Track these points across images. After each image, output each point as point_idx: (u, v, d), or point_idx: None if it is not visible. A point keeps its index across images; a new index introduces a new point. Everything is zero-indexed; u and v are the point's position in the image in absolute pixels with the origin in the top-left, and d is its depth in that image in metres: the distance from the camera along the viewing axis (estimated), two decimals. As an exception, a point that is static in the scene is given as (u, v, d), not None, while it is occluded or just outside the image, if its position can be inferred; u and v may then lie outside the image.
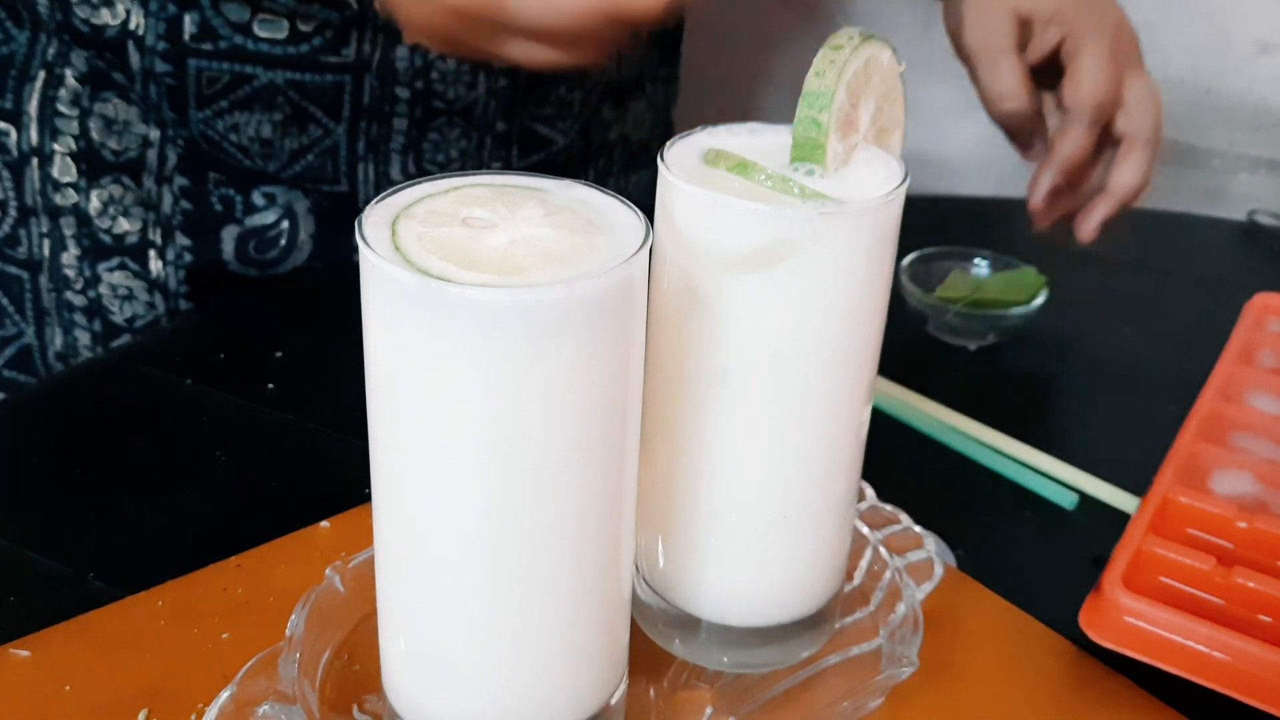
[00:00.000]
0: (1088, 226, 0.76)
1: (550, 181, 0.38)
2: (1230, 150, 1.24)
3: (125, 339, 0.77)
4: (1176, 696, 0.49)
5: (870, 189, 0.41)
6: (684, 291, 0.41)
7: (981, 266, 0.81)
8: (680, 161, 0.42)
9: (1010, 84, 0.74)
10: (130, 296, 0.77)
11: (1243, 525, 0.55)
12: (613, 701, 0.42)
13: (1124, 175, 0.74)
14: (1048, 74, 0.77)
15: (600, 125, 0.88)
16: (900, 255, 0.74)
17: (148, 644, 0.49)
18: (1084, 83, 0.73)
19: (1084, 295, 0.84)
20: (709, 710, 0.46)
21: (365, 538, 0.40)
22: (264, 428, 0.64)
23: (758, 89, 1.42)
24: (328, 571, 0.48)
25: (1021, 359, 0.77)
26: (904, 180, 0.41)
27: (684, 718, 0.46)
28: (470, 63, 0.77)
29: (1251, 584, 0.51)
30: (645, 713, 0.46)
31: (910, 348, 0.76)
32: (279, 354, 0.69)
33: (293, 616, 0.46)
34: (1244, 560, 0.53)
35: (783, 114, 0.45)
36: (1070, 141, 0.74)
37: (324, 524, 0.56)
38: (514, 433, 0.35)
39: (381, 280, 0.34)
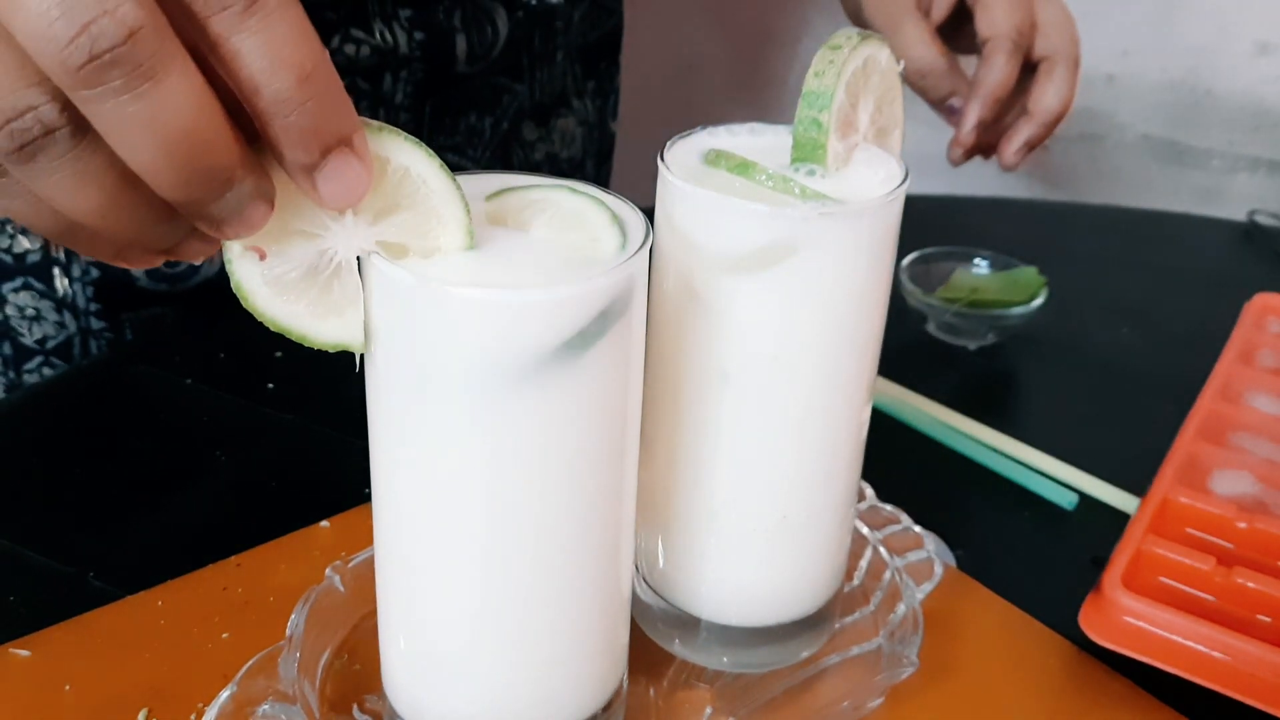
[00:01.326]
0: (1010, 149, 0.74)
1: (550, 181, 0.38)
2: (1230, 150, 1.24)
3: (38, 361, 0.75)
4: (1176, 697, 0.49)
5: (870, 189, 0.41)
6: (684, 292, 0.41)
7: (981, 266, 0.81)
8: (680, 162, 0.42)
9: (918, 47, 0.73)
10: (39, 317, 0.73)
11: (1242, 525, 0.55)
12: (613, 701, 0.42)
13: (1046, 96, 0.73)
14: (958, 35, 0.76)
15: (522, 147, 0.86)
16: (900, 255, 0.74)
17: (148, 643, 0.49)
18: (996, 12, 0.71)
19: (1084, 295, 0.84)
20: (709, 710, 0.46)
21: (365, 537, 0.40)
22: (264, 427, 0.64)
23: (718, 92, 1.42)
24: (328, 571, 0.48)
25: (1021, 359, 0.77)
26: (904, 180, 0.41)
27: (684, 717, 0.46)
28: (369, 99, 0.75)
29: (1251, 584, 0.51)
30: (645, 712, 0.46)
31: (910, 348, 0.77)
32: (279, 354, 0.69)
33: (293, 616, 0.46)
34: (1244, 560, 0.53)
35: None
36: (995, 70, 0.72)
37: (324, 524, 0.56)
38: (514, 434, 0.35)
39: (382, 281, 0.34)
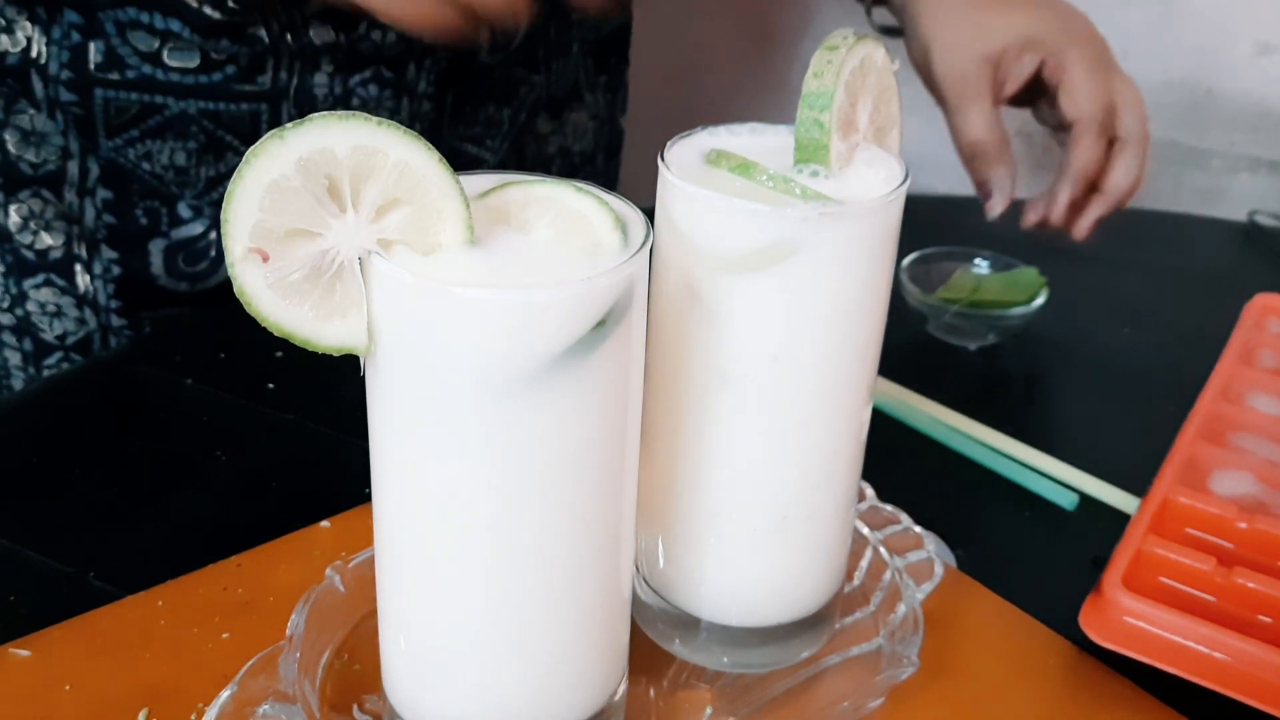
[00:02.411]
0: (1083, 224, 0.77)
1: (550, 181, 0.38)
2: (1231, 151, 1.24)
3: (57, 357, 0.75)
4: (1176, 697, 0.49)
5: (871, 189, 0.41)
6: (685, 292, 0.41)
7: (981, 266, 0.81)
8: (681, 161, 0.42)
9: (981, 130, 0.75)
10: (60, 313, 0.74)
11: (1243, 526, 0.55)
12: (613, 701, 0.42)
13: (1119, 175, 0.75)
14: (1025, 94, 0.77)
15: (536, 139, 0.87)
16: (901, 255, 0.74)
17: (148, 643, 0.49)
18: (1081, 96, 0.74)
19: (1084, 295, 0.84)
20: (709, 710, 0.46)
21: (365, 537, 0.40)
22: (264, 427, 0.64)
23: (720, 92, 1.42)
24: (328, 571, 0.48)
25: (1022, 359, 0.77)
26: (904, 180, 0.41)
27: (684, 717, 0.46)
28: (393, 88, 0.75)
29: (1251, 584, 0.51)
30: (645, 712, 0.46)
31: (910, 348, 0.77)
32: (279, 354, 0.69)
33: (293, 616, 0.46)
34: (1244, 561, 0.53)
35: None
36: (1084, 151, 0.74)
37: (324, 524, 0.56)
38: (515, 433, 0.35)
39: (383, 281, 0.34)
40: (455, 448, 0.35)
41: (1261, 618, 0.50)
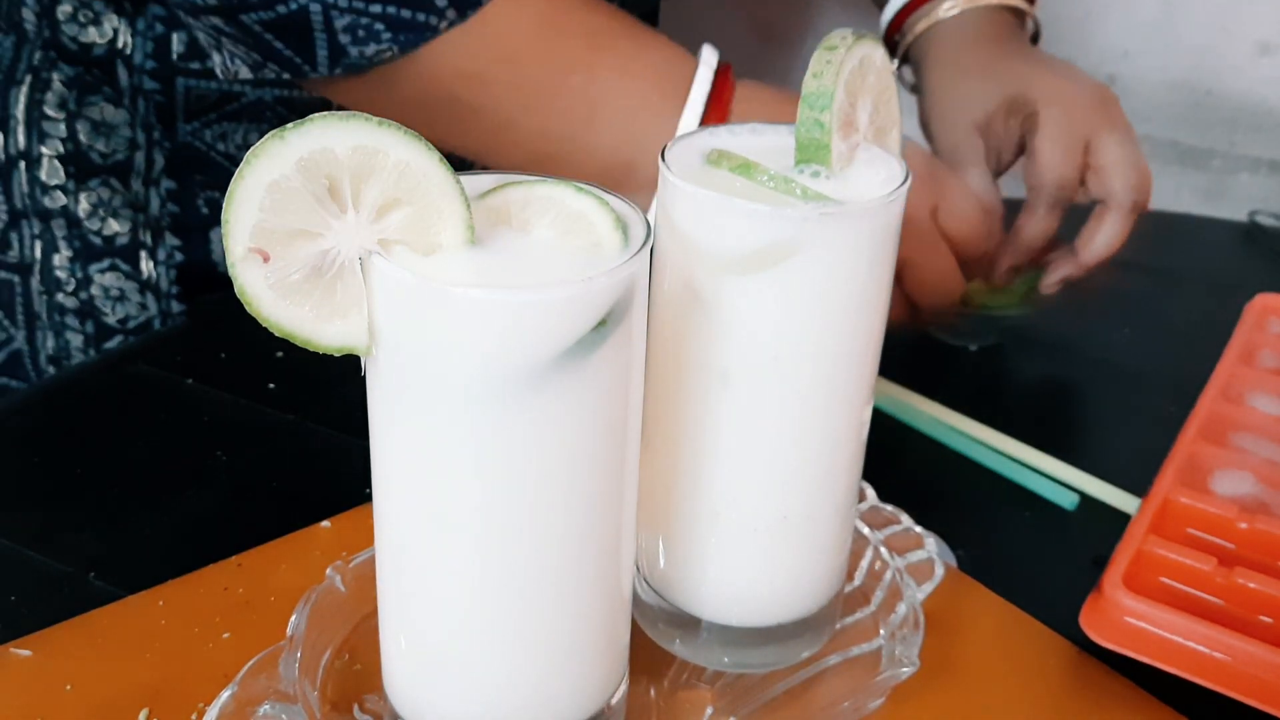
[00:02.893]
0: (1049, 281, 0.74)
1: (550, 181, 0.38)
2: (1231, 151, 1.24)
3: (117, 340, 0.77)
4: (1177, 697, 0.49)
5: (872, 189, 0.41)
6: (685, 292, 0.41)
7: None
8: (681, 162, 0.42)
9: (983, 193, 0.72)
10: (122, 298, 0.77)
11: (1243, 526, 0.55)
12: (613, 701, 0.42)
13: (1093, 241, 0.72)
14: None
15: None
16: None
17: (149, 643, 0.49)
18: (1041, 162, 0.71)
19: (1085, 296, 0.84)
20: (709, 710, 0.46)
21: (366, 537, 0.40)
22: (265, 427, 0.64)
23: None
24: (328, 571, 0.48)
25: (1022, 359, 0.77)
26: (905, 181, 0.41)
27: (685, 718, 0.46)
28: None
29: (1252, 584, 0.51)
30: (646, 713, 0.46)
31: (911, 348, 0.76)
32: (280, 353, 0.69)
33: (293, 616, 0.46)
34: (1245, 561, 0.53)
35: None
36: (1033, 224, 0.72)
37: (325, 524, 0.56)
38: (515, 434, 0.35)
39: (384, 281, 0.34)
40: (456, 448, 0.35)
41: (1262, 618, 0.50)
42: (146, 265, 0.77)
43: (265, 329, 0.34)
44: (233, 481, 0.60)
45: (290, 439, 0.63)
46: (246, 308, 0.33)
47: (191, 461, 0.61)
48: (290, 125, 0.32)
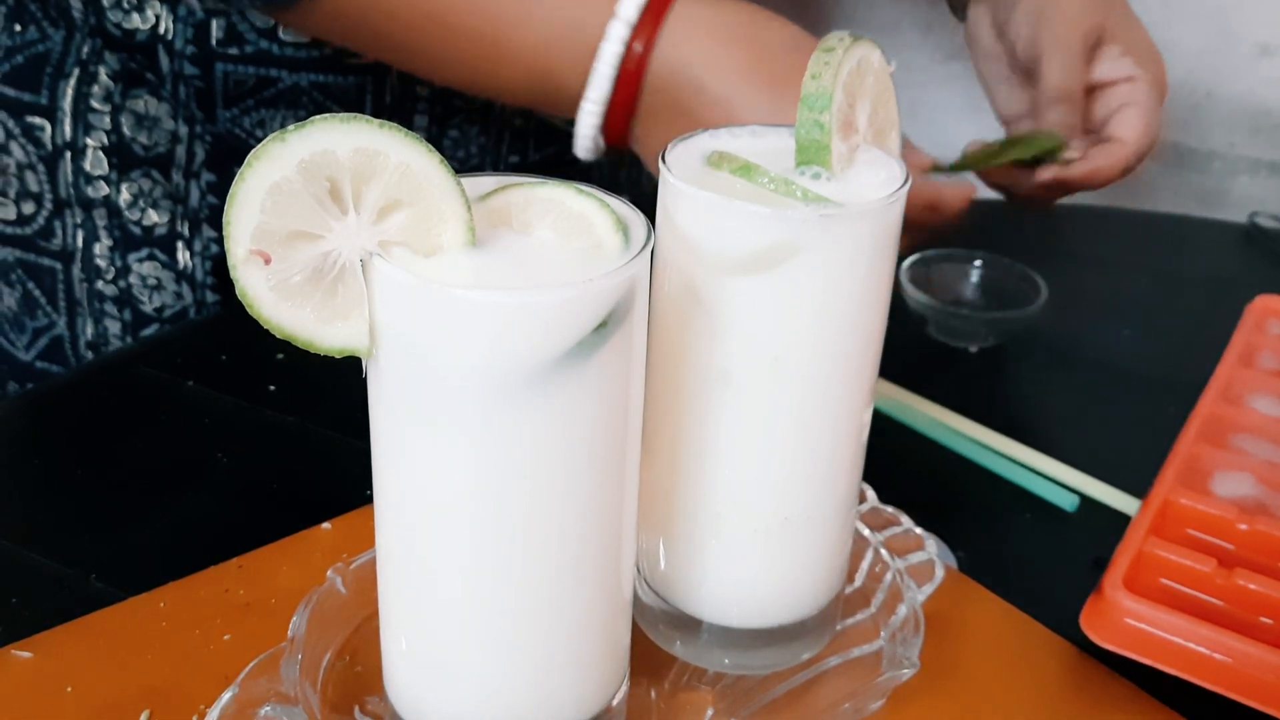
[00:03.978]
0: (1072, 158, 0.73)
1: (551, 183, 0.38)
2: (1231, 153, 1.24)
3: (154, 328, 0.79)
4: (1177, 698, 0.49)
5: (872, 191, 0.41)
6: (685, 293, 0.41)
7: (980, 263, 0.81)
8: (681, 163, 0.42)
9: (1072, 77, 0.74)
10: (159, 286, 0.78)
11: (1243, 527, 0.55)
12: (614, 703, 0.42)
13: (1133, 127, 0.74)
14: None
15: None
16: (901, 257, 0.74)
17: (149, 645, 0.49)
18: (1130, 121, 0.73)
19: (1085, 297, 0.85)
20: (710, 711, 0.46)
21: (367, 539, 0.40)
22: (266, 429, 0.64)
23: None
24: (329, 573, 0.49)
25: (1022, 361, 0.77)
26: (905, 182, 0.41)
27: (685, 719, 0.46)
28: None
29: (1252, 586, 0.51)
30: (646, 714, 0.46)
31: (911, 349, 0.77)
32: (280, 355, 0.69)
33: (294, 618, 0.46)
34: (1245, 562, 0.53)
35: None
36: (1054, 74, 0.74)
37: (325, 525, 0.56)
38: (516, 435, 0.35)
39: (385, 283, 0.34)
40: (457, 449, 0.35)
41: (1262, 619, 0.50)
42: (183, 256, 0.78)
43: (266, 331, 0.34)
44: (233, 483, 0.60)
45: (291, 441, 0.64)
46: (248, 309, 0.33)
47: (192, 463, 0.61)
48: (291, 127, 0.32)
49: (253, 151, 0.32)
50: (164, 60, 0.74)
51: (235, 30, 0.73)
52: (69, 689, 0.47)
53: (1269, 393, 0.66)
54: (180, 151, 0.77)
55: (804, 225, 0.39)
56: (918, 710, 0.48)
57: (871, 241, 0.41)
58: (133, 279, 0.78)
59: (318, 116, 0.33)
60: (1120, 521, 0.58)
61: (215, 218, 0.78)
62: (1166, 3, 1.20)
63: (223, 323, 0.76)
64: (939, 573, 0.53)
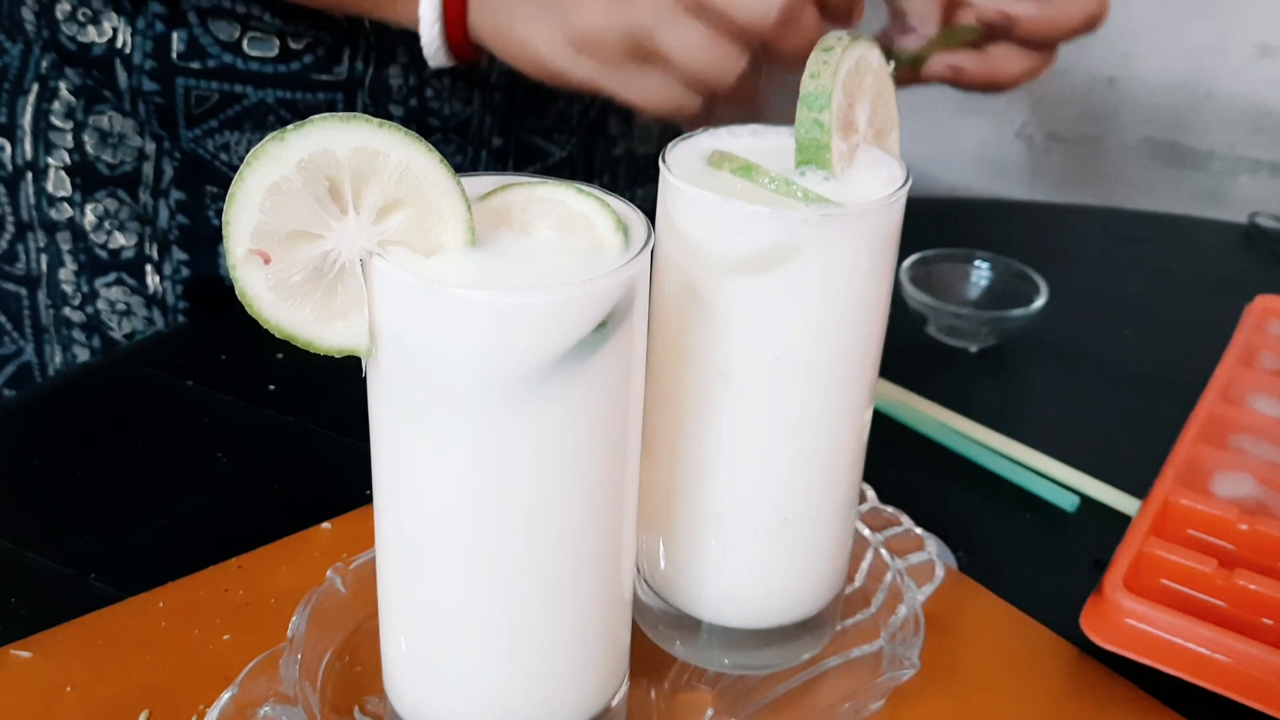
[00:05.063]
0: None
1: (552, 182, 0.38)
2: (1231, 153, 1.24)
3: None
4: (1177, 699, 0.49)
5: (873, 191, 0.41)
6: (685, 293, 0.41)
7: (981, 267, 0.81)
8: (682, 163, 0.42)
9: None
10: (129, 312, 0.76)
11: (1244, 527, 0.55)
12: (614, 703, 0.42)
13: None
14: None
15: (606, 140, 0.87)
16: (901, 257, 0.74)
17: (149, 645, 0.49)
18: None
19: (1085, 297, 0.85)
20: (710, 712, 0.46)
21: (366, 539, 0.40)
22: (265, 429, 0.64)
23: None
24: (329, 573, 0.48)
25: (1022, 361, 0.77)
26: (905, 182, 0.41)
27: (685, 719, 0.46)
28: (466, 79, 0.76)
29: (1252, 586, 0.51)
30: (646, 714, 0.46)
31: (911, 350, 0.77)
32: (280, 355, 0.69)
33: (294, 618, 0.46)
34: (1245, 562, 0.53)
35: (787, 115, 0.45)
36: None
37: (325, 525, 0.56)
38: (516, 435, 0.35)
39: (385, 283, 0.34)
40: (456, 449, 0.35)
41: (1263, 620, 0.50)
42: (152, 280, 0.76)
43: (266, 330, 0.34)
44: (233, 483, 0.60)
45: (291, 441, 0.63)
46: (247, 309, 0.33)
47: (192, 463, 0.61)
48: (291, 127, 0.32)
49: (252, 151, 0.32)
50: (122, 76, 0.71)
51: (198, 43, 0.71)
52: (68, 689, 0.47)
53: (1269, 393, 0.66)
54: (148, 169, 0.74)
55: (804, 225, 0.39)
56: (918, 710, 0.48)
57: (871, 241, 0.41)
58: (101, 304, 0.75)
59: (317, 116, 0.33)
60: (1120, 522, 0.58)
61: (186, 239, 0.76)
62: (1166, 3, 1.20)
63: (222, 322, 0.76)
64: (939, 573, 0.53)
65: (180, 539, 0.56)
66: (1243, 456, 0.60)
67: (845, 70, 0.41)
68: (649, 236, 0.36)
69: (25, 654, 0.48)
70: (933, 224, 0.89)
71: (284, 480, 0.60)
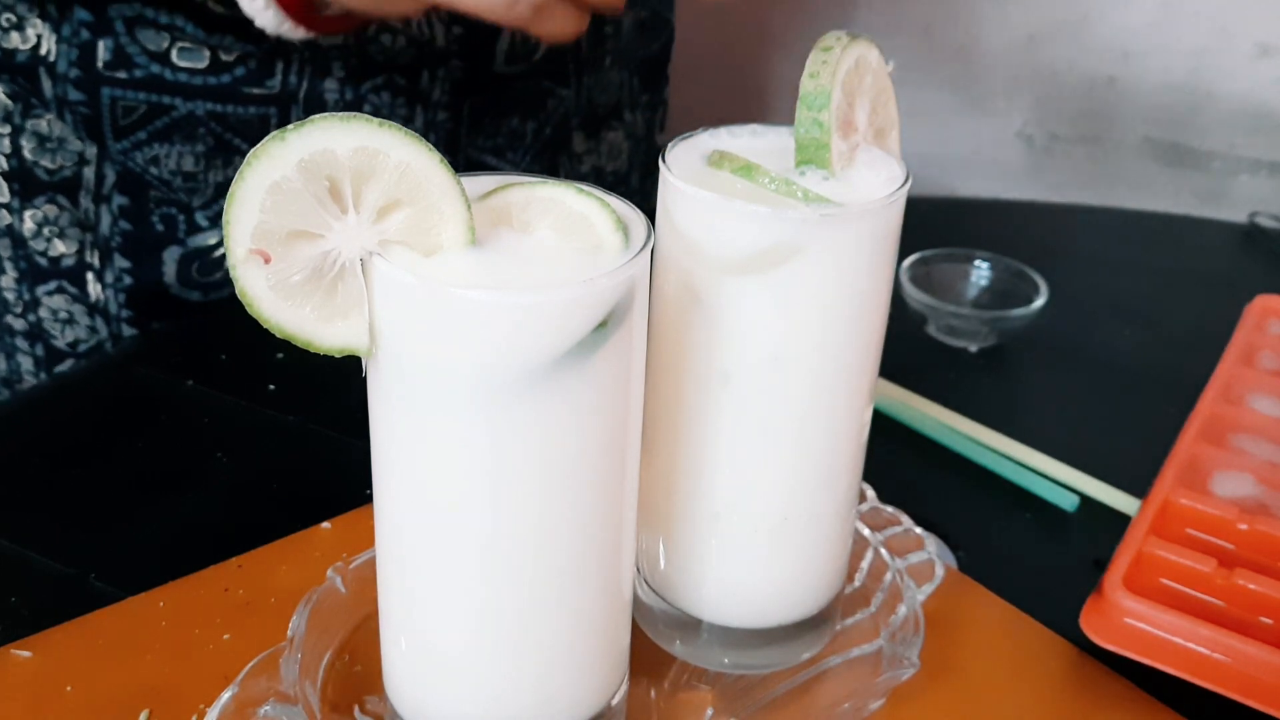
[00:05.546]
0: None
1: (552, 182, 0.38)
2: (1231, 152, 1.24)
3: (69, 364, 0.75)
4: (1177, 698, 0.49)
5: (873, 191, 0.41)
6: (686, 293, 0.41)
7: (982, 269, 0.81)
8: (682, 163, 0.42)
9: None
10: (71, 320, 0.74)
11: (1243, 527, 0.55)
12: (614, 703, 0.42)
13: None
14: None
15: (570, 158, 0.86)
16: (901, 257, 0.74)
17: (149, 644, 0.49)
18: None
19: (1085, 297, 0.85)
20: (710, 711, 0.46)
21: (366, 539, 0.40)
22: (265, 429, 0.64)
23: (754, 104, 1.42)
24: (329, 572, 0.49)
25: (1022, 360, 0.77)
26: (905, 182, 0.41)
27: (685, 719, 0.46)
28: (406, 96, 0.74)
29: (1252, 586, 0.51)
30: (646, 714, 0.46)
31: (911, 349, 0.77)
32: (280, 355, 0.69)
33: (294, 617, 0.46)
34: (1245, 562, 0.53)
35: (786, 115, 0.45)
36: None
37: (325, 525, 0.56)
38: (516, 435, 0.35)
39: (385, 283, 0.34)
40: (456, 449, 0.35)
41: (1262, 619, 0.50)
42: (94, 288, 0.73)
43: (266, 330, 0.34)
44: (233, 483, 0.60)
45: (291, 440, 0.64)
46: (247, 309, 0.33)
47: (192, 463, 0.61)
48: (291, 126, 0.32)
49: (252, 150, 0.32)
50: (47, 84, 0.69)
51: (124, 52, 0.68)
52: (69, 688, 0.47)
53: (1269, 393, 0.66)
54: (88, 174, 0.71)
55: (804, 225, 0.39)
56: (918, 710, 0.48)
57: (871, 241, 0.41)
58: (43, 312, 0.73)
59: (317, 115, 0.33)
60: (1120, 521, 0.58)
61: (129, 246, 0.73)
62: (1166, 3, 1.20)
63: (222, 322, 0.76)
64: (939, 572, 0.53)
65: (181, 539, 0.56)
66: (1242, 456, 0.60)
67: (844, 70, 0.41)
68: (649, 236, 0.36)
69: (25, 654, 0.48)
70: (933, 224, 0.89)
71: (284, 480, 0.60)
